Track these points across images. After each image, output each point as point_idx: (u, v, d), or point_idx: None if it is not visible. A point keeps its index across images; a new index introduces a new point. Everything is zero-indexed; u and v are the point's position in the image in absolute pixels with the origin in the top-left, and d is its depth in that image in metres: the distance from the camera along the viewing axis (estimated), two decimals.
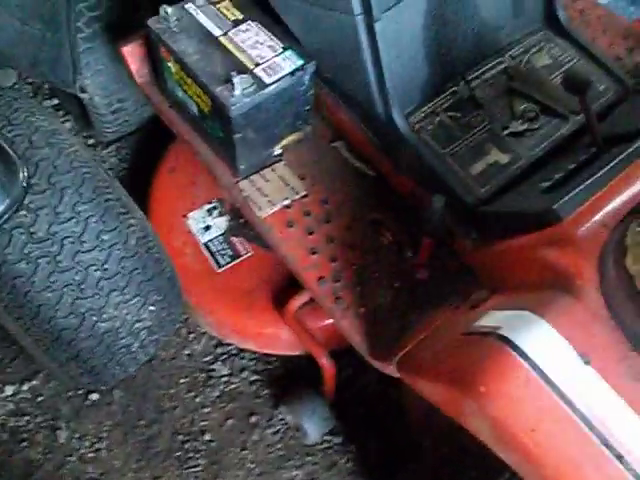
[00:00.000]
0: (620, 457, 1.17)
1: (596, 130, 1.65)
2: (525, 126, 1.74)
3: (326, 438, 2.17)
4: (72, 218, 1.62)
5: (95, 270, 1.65)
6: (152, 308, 1.78)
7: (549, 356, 1.22)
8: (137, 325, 1.77)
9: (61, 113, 2.63)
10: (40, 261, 1.59)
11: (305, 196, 1.79)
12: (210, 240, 2.14)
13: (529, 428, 1.19)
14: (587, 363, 1.21)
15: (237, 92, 1.62)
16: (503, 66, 1.84)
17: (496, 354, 1.24)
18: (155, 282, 1.77)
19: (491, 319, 1.36)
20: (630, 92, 1.83)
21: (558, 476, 1.18)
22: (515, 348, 1.23)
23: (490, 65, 1.83)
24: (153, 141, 2.40)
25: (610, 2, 2.81)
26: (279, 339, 2.07)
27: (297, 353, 2.11)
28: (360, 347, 1.64)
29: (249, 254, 2.13)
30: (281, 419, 2.19)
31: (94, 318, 1.68)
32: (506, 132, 1.73)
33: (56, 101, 2.68)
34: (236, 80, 1.61)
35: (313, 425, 2.07)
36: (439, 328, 1.56)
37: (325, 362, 1.94)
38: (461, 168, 1.69)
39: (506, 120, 1.75)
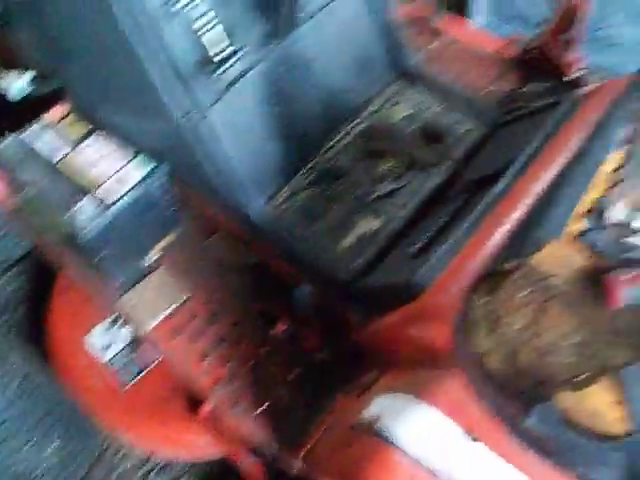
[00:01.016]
0: None
1: (461, 178, 1.60)
2: (392, 186, 1.68)
3: None
4: None
5: None
6: (55, 445, 1.71)
7: (432, 442, 1.15)
8: (44, 465, 1.69)
9: None
10: None
11: (188, 299, 1.72)
12: (115, 355, 2.05)
13: None
14: (475, 440, 1.14)
15: (83, 217, 1.55)
16: (361, 128, 1.78)
17: (375, 454, 1.18)
18: (51, 419, 1.70)
19: (374, 407, 1.29)
20: (497, 127, 1.78)
21: None
22: (394, 443, 1.16)
23: (347, 130, 1.78)
24: None
25: (487, 24, 2.79)
26: (202, 445, 1.98)
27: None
28: (266, 448, 1.57)
29: (156, 362, 2.05)
30: None
31: None
32: (373, 196, 1.67)
33: None
34: (80, 204, 1.56)
35: None
36: (336, 419, 1.49)
37: (248, 462, 1.85)
38: (330, 244, 1.62)
39: (371, 184, 1.69)
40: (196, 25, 1.47)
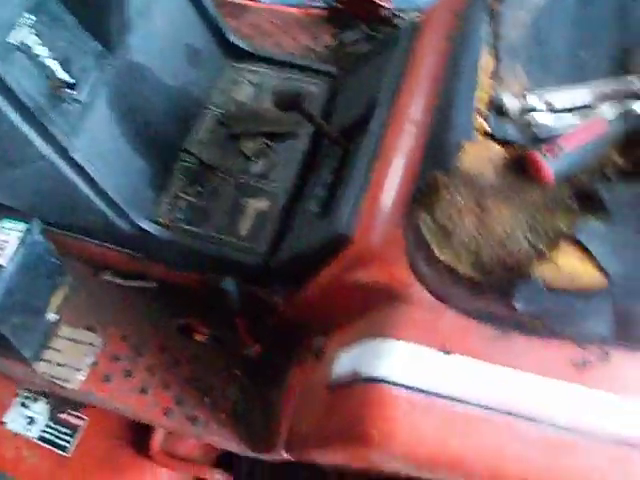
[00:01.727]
0: (529, 417, 1.15)
1: (330, 133, 1.63)
2: (265, 163, 1.70)
3: None
4: None
5: None
6: None
7: (416, 369, 1.19)
8: None
9: None
10: None
11: (105, 342, 1.67)
12: (42, 430, 1.96)
13: (440, 445, 1.16)
14: (451, 354, 1.18)
15: None
16: (214, 117, 1.78)
17: (372, 398, 1.19)
18: None
19: (345, 363, 1.31)
20: (339, 79, 1.83)
21: (489, 469, 1.16)
22: (384, 382, 1.18)
23: (201, 123, 1.78)
24: None
25: None
26: None
27: None
28: (241, 450, 1.56)
29: (86, 420, 1.97)
30: None
31: None
32: (251, 178, 1.68)
33: None
34: None
35: None
36: (302, 393, 1.49)
37: (218, 477, 1.82)
38: (229, 236, 1.62)
39: (244, 167, 1.70)
40: (36, 58, 1.42)
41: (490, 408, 1.16)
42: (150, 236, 1.60)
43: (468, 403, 1.16)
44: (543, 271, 1.09)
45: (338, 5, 2.05)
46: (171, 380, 1.62)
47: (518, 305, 1.09)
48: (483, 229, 1.15)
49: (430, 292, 1.21)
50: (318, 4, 2.13)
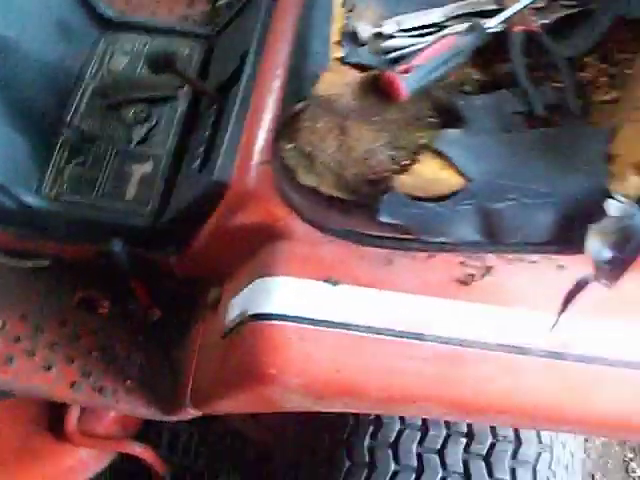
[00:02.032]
0: (419, 336, 1.19)
1: (204, 89, 1.65)
2: (145, 128, 1.69)
3: None
4: None
5: None
6: None
7: (302, 302, 1.21)
8: None
9: None
10: None
11: (3, 324, 1.64)
12: None
13: (335, 372, 1.19)
14: (336, 284, 1.21)
15: None
16: (91, 89, 1.77)
17: (261, 334, 1.22)
18: None
19: (235, 308, 1.32)
20: (212, 39, 1.84)
21: (384, 389, 1.21)
22: (271, 318, 1.21)
23: (78, 96, 1.76)
24: None
25: None
26: (87, 458, 1.92)
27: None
28: (151, 414, 1.56)
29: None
30: None
31: None
32: (134, 144, 1.68)
33: None
34: None
35: None
36: (201, 347, 1.50)
37: (138, 450, 1.83)
38: (116, 202, 1.62)
39: (126, 134, 1.70)
40: None
41: (380, 331, 1.19)
42: (36, 211, 1.58)
43: (358, 328, 1.19)
44: (405, 182, 1.12)
45: None
46: (74, 354, 1.60)
47: (383, 218, 1.12)
48: (345, 150, 1.18)
49: (306, 222, 1.23)
50: None
